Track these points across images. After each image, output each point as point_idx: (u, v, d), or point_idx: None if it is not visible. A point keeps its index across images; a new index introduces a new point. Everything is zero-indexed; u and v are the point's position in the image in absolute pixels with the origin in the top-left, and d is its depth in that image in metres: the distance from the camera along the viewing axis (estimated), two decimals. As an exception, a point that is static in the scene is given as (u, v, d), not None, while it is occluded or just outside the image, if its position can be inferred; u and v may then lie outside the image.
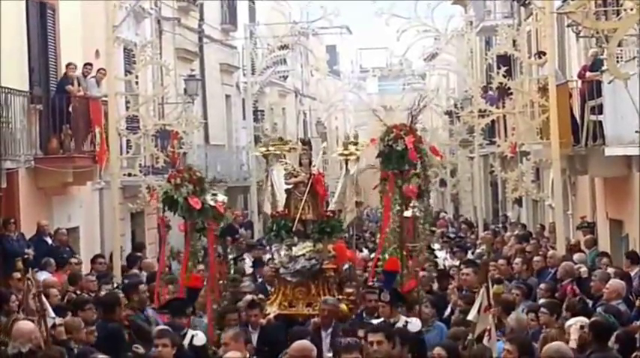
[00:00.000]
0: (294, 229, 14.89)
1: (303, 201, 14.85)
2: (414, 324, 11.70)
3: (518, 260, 16.85)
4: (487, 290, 9.51)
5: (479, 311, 9.29)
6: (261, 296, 14.74)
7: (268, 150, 15.88)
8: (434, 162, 14.38)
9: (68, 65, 20.72)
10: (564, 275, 14.89)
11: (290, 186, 15.03)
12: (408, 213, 13.86)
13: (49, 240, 19.54)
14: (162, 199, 13.48)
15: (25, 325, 9.98)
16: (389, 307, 11.98)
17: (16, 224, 18.56)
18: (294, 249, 14.80)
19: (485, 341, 9.50)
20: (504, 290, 13.74)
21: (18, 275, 15.55)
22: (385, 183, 13.29)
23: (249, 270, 19.25)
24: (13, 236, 18.29)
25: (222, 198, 14.85)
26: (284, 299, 14.71)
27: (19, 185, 19.28)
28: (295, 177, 14.98)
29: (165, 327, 11.33)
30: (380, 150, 13.33)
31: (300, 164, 15.13)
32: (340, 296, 14.19)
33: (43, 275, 16.40)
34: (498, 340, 10.27)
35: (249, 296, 14.09)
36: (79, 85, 20.70)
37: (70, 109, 20.18)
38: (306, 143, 15.64)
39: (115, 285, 16.83)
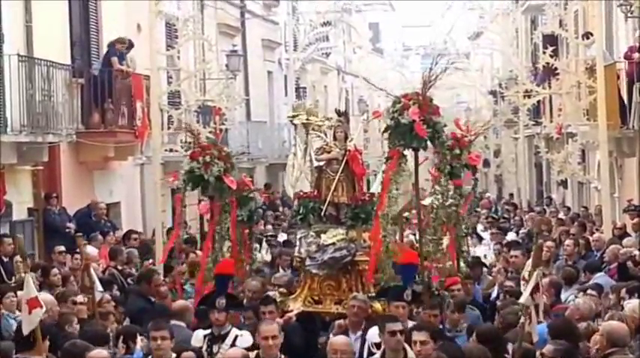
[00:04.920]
0: (324, 213, 12.57)
1: (336, 180, 12.52)
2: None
3: (569, 241, 16.51)
4: (542, 273, 9.33)
5: (531, 294, 9.07)
6: (282, 289, 12.81)
7: (309, 120, 13.50)
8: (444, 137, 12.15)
9: (120, 42, 20.63)
10: (612, 258, 14.68)
11: (322, 163, 12.75)
12: (426, 201, 12.69)
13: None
14: (186, 178, 12.51)
15: (43, 296, 9.99)
16: (408, 308, 10.80)
17: (58, 198, 18.57)
18: (322, 236, 12.51)
19: (525, 324, 9.29)
20: (547, 273, 13.47)
21: (60, 248, 15.63)
22: (389, 162, 11.80)
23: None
24: (54, 210, 18.31)
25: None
26: (310, 294, 12.47)
27: (60, 159, 19.29)
28: (328, 152, 12.67)
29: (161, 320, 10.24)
30: (386, 124, 11.73)
31: (335, 138, 12.74)
32: (374, 294, 12.05)
33: (88, 250, 16.41)
34: (541, 322, 10.06)
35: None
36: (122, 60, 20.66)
37: (119, 84, 20.20)
38: (342, 114, 13.19)
39: (150, 261, 16.79)
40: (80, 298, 11.56)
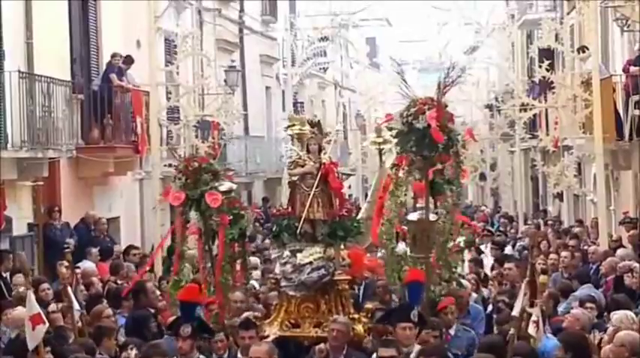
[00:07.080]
0: (299, 231, 11.69)
1: (311, 196, 11.65)
2: None
3: (566, 253, 16.57)
4: (530, 284, 9.40)
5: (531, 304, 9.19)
6: (257, 313, 11.85)
7: (302, 130, 12.39)
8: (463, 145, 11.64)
9: (114, 56, 20.75)
10: (609, 271, 14.76)
11: (295, 178, 11.88)
12: (412, 217, 11.89)
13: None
14: None
15: (17, 312, 10.08)
16: (415, 330, 9.91)
17: (60, 212, 18.64)
18: (298, 255, 11.67)
19: (532, 330, 9.34)
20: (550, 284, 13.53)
21: (66, 264, 15.71)
22: (395, 170, 11.09)
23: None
24: (56, 225, 18.37)
25: (227, 186, 12.48)
26: (287, 317, 11.65)
27: (60, 174, 19.36)
28: (301, 166, 11.80)
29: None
30: (397, 128, 10.98)
31: (308, 151, 11.86)
32: (356, 315, 11.52)
33: (86, 265, 16.49)
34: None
35: (247, 313, 11.52)
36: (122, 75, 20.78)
37: (118, 99, 20.31)
38: (315, 125, 12.24)
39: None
40: (53, 307, 11.67)
